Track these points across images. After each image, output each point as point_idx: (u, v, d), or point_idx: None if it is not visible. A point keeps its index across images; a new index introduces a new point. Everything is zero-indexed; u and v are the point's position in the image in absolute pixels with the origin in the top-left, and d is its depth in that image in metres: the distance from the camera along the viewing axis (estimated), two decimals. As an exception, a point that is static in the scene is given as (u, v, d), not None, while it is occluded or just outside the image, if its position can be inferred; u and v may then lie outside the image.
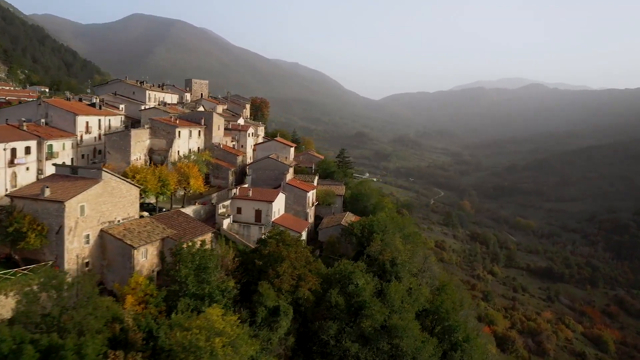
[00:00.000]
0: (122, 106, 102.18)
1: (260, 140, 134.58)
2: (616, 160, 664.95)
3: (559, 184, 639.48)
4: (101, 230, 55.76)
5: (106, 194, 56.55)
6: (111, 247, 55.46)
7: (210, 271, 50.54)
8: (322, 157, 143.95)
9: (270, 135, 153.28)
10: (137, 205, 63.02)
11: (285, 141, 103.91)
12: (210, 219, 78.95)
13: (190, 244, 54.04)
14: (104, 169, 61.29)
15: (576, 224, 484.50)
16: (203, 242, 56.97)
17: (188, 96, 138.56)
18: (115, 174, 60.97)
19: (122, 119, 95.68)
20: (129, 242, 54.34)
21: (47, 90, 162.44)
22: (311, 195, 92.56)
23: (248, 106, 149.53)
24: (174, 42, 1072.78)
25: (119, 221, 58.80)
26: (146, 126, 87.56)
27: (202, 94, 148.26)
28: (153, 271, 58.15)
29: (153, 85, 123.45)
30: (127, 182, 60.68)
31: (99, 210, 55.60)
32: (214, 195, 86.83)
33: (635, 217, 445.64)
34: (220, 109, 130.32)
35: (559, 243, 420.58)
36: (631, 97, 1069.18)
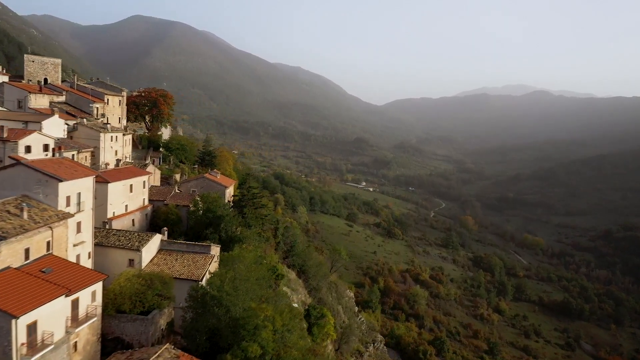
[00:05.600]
0: None
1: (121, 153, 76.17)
2: (627, 171, 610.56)
3: (567, 196, 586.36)
4: None
5: None
6: None
7: None
8: (232, 183, 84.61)
9: (161, 146, 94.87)
10: None
11: (44, 164, 43.65)
12: None
13: None
14: None
15: (589, 242, 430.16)
16: None
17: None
18: None
19: None
20: None
21: None
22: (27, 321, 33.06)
23: (117, 100, 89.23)
24: (172, 44, 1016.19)
25: None
26: None
27: (45, 78, 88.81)
28: None
29: None
30: None
31: None
32: None
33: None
34: (43, 101, 72.28)
35: (571, 264, 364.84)
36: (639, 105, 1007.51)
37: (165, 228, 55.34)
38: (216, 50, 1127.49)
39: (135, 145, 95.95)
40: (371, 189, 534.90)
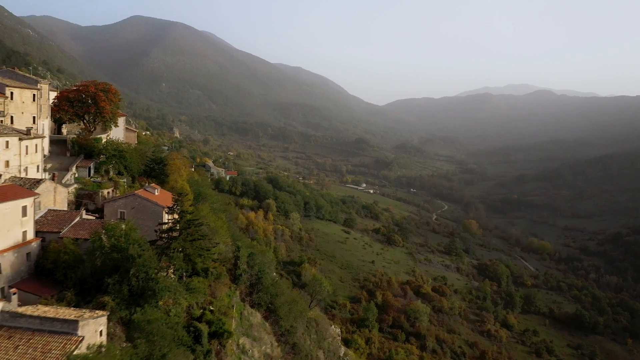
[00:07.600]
0: None
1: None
2: (633, 171, 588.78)
3: (573, 197, 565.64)
4: None
5: None
6: None
7: None
8: (169, 203, 63.91)
9: (94, 152, 74.71)
10: None
11: None
12: None
13: None
14: None
15: (597, 245, 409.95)
16: None
17: None
18: None
19: None
20: None
21: None
22: None
23: (29, 94, 67.34)
24: (171, 45, 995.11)
25: None
26: None
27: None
28: None
29: None
30: None
31: None
32: None
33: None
34: None
35: (580, 270, 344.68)
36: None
37: (13, 290, 35.02)
38: (216, 50, 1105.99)
39: (63, 152, 75.89)
40: (371, 191, 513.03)
